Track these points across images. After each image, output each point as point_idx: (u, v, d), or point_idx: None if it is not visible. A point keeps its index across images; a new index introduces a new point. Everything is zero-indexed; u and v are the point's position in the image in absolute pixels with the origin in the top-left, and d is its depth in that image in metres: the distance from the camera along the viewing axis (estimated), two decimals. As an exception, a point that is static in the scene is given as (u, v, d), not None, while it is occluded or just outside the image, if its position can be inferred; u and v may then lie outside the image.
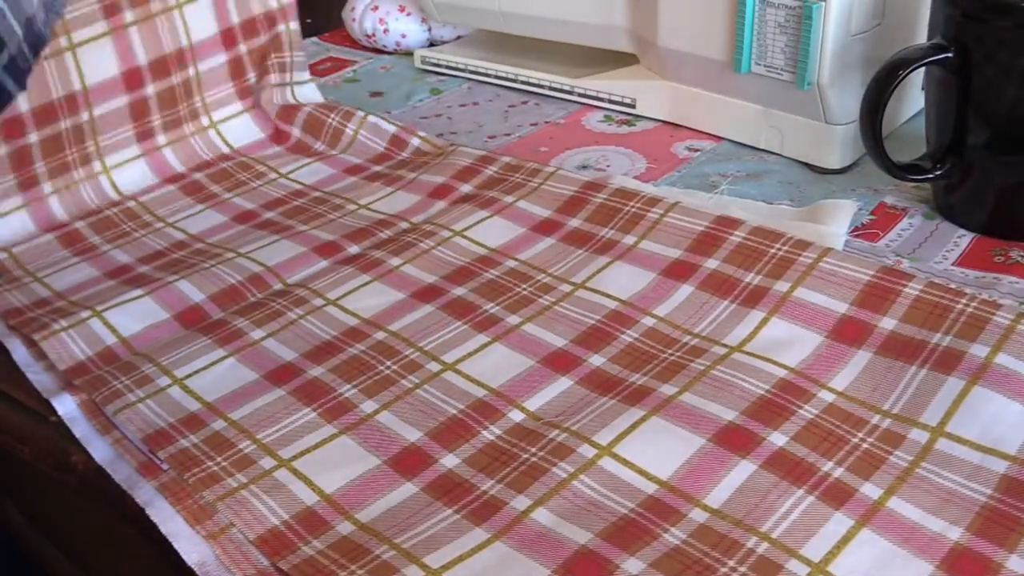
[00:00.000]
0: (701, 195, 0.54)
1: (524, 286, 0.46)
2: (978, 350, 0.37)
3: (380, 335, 0.44)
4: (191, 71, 0.63)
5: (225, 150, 0.65)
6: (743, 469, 0.34)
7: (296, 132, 0.66)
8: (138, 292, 0.48)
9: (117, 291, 0.48)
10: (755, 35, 0.55)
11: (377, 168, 0.61)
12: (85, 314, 0.46)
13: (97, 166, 0.59)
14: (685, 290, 0.45)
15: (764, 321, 0.42)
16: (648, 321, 0.43)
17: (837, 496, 0.33)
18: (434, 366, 0.42)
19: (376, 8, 0.81)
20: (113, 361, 0.44)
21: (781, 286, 0.43)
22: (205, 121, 0.65)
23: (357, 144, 0.63)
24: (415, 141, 0.62)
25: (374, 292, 0.47)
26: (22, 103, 0.55)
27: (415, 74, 0.78)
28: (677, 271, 0.46)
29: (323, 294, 0.47)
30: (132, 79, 0.60)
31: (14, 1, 0.37)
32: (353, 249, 0.51)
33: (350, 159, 0.63)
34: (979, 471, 0.34)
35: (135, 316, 0.46)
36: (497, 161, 0.57)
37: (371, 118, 0.64)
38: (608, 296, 0.45)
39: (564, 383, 0.40)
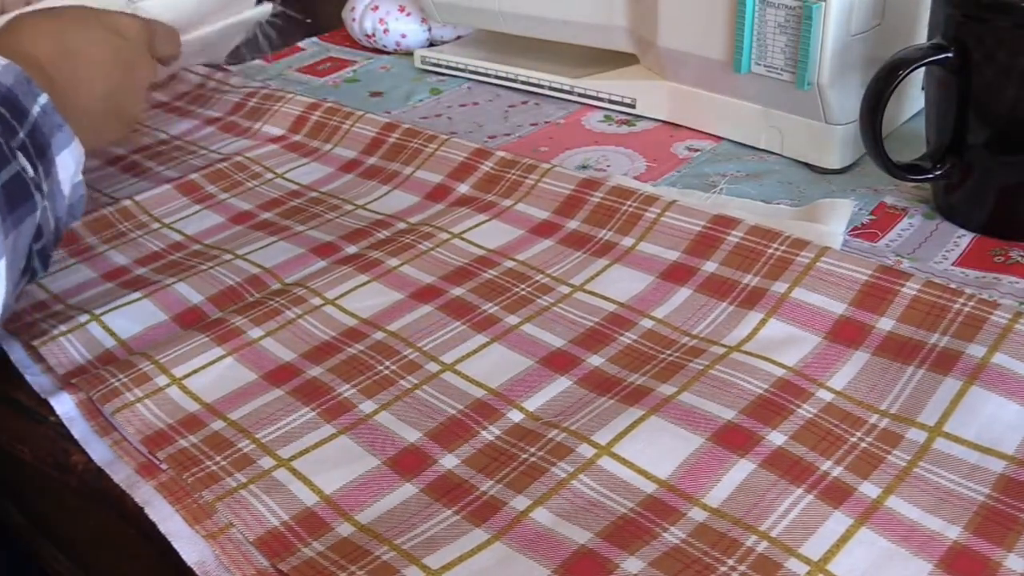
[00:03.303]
0: (699, 195, 0.54)
1: (522, 286, 0.46)
2: (975, 350, 0.37)
3: (379, 335, 0.44)
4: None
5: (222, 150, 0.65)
6: (742, 468, 0.34)
7: (294, 135, 0.66)
8: (136, 295, 0.48)
9: (115, 294, 0.48)
10: (755, 35, 0.55)
11: (372, 160, 0.61)
12: (83, 318, 0.46)
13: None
14: (683, 293, 0.45)
15: (763, 322, 0.42)
16: (647, 323, 0.43)
17: (836, 495, 0.33)
18: (433, 366, 0.42)
19: (376, 8, 0.81)
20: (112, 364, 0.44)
21: (779, 287, 0.43)
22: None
23: (351, 135, 0.63)
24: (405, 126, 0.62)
25: (372, 292, 0.47)
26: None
27: (415, 74, 0.78)
28: (675, 274, 0.46)
29: (321, 293, 0.47)
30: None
31: (52, 202, 0.44)
32: (351, 249, 0.51)
33: (345, 153, 0.63)
34: (977, 470, 0.34)
35: (133, 318, 0.46)
36: (492, 156, 0.57)
37: (367, 115, 0.64)
38: (606, 299, 0.45)
39: (563, 383, 0.40)
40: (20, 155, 0.42)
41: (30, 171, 0.42)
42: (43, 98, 0.45)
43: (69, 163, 0.46)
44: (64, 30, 0.51)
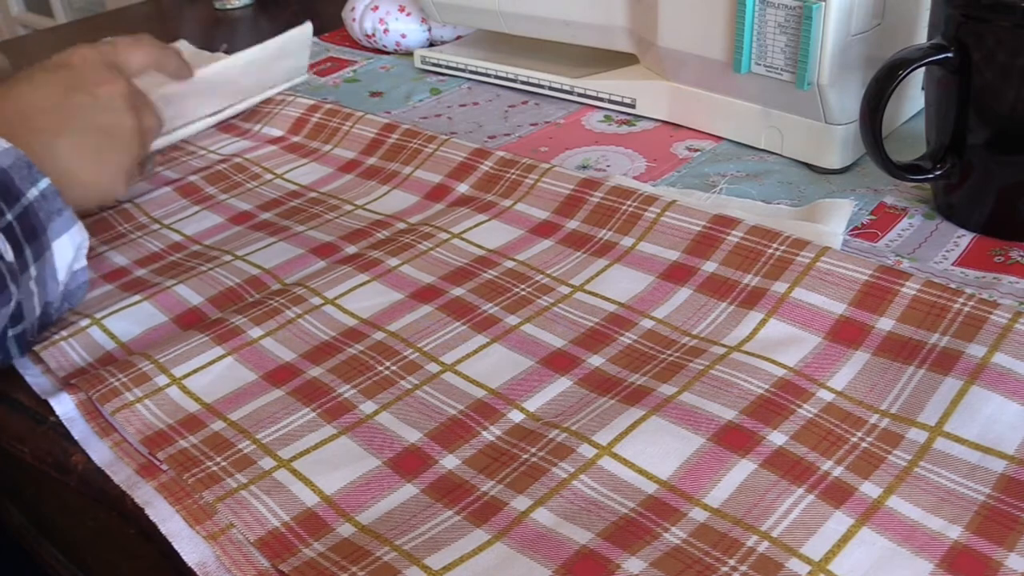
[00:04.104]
0: (699, 195, 0.54)
1: (523, 286, 0.46)
2: (975, 350, 0.37)
3: (379, 335, 0.44)
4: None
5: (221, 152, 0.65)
6: (743, 468, 0.34)
7: (294, 136, 0.66)
8: (136, 297, 0.48)
9: (115, 296, 0.48)
10: (755, 35, 0.55)
11: (371, 160, 0.61)
12: (84, 322, 0.46)
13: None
14: (683, 293, 0.45)
15: (763, 322, 0.42)
16: (647, 323, 0.43)
17: (837, 495, 0.33)
18: (433, 367, 0.42)
19: (376, 8, 0.81)
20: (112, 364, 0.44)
21: (779, 287, 0.43)
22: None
23: (351, 136, 0.63)
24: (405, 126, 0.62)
25: (372, 292, 0.47)
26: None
27: (415, 74, 0.78)
28: (675, 274, 0.46)
29: (321, 292, 0.47)
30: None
31: (42, 288, 0.44)
32: (350, 249, 0.51)
33: (344, 153, 0.63)
34: (977, 470, 0.34)
35: (134, 321, 0.46)
36: (491, 156, 0.57)
37: (366, 116, 0.64)
38: (607, 299, 0.45)
39: (563, 383, 0.40)
40: (1, 237, 0.41)
41: (9, 255, 0.41)
42: (44, 183, 0.44)
43: (67, 249, 0.46)
44: (20, 94, 0.49)
